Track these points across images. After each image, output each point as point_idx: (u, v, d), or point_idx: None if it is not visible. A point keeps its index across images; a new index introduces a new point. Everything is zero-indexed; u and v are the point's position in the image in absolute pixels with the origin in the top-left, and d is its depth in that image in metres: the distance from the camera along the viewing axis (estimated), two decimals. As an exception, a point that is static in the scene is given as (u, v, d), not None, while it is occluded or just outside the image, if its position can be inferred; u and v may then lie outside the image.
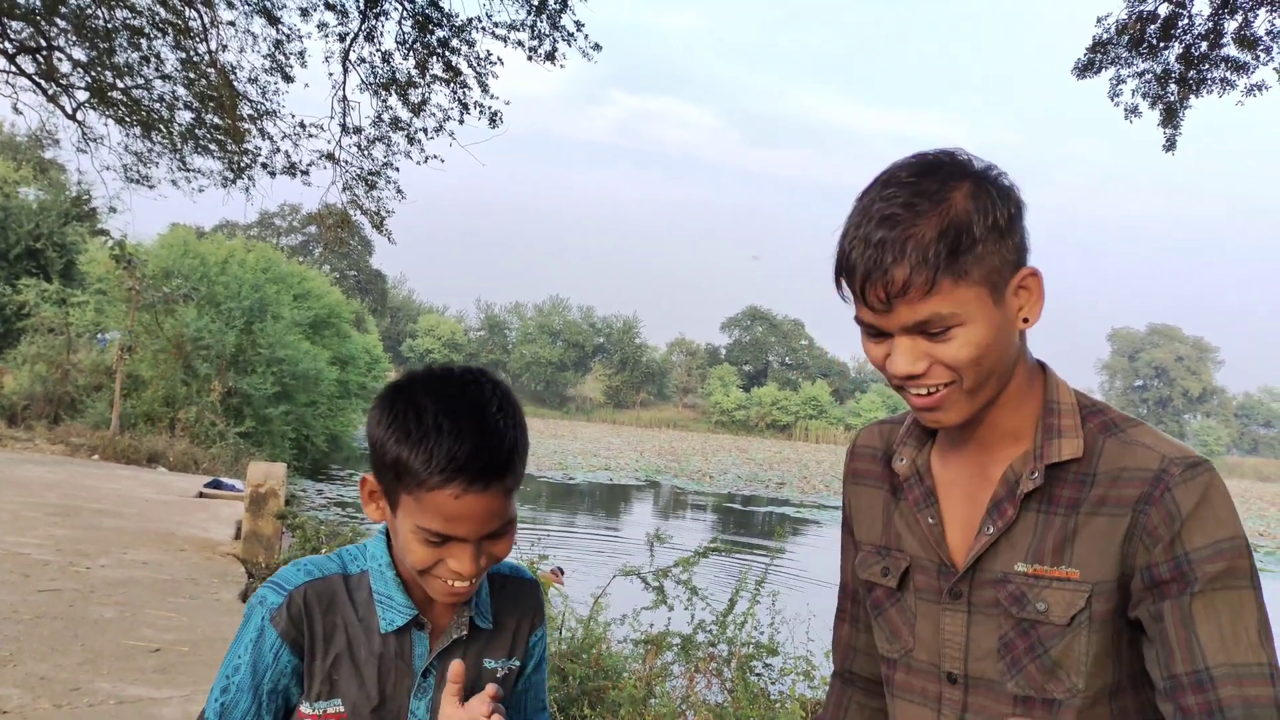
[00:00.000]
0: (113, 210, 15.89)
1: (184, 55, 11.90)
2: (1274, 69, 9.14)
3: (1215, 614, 1.16)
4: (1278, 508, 45.93)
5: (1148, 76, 9.61)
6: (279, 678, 1.36)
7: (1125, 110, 9.77)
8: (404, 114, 11.85)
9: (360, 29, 11.22)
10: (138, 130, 12.89)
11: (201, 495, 13.33)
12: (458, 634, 1.43)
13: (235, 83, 11.84)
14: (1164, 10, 9.18)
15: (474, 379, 1.35)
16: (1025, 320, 1.23)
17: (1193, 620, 1.16)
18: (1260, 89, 9.26)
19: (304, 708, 1.38)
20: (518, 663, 1.52)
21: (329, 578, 1.41)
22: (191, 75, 12.08)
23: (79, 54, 12.17)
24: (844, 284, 1.22)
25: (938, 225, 1.15)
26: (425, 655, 1.42)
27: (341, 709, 1.37)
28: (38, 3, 11.30)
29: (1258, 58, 9.11)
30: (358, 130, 12.07)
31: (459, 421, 1.28)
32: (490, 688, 1.35)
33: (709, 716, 5.20)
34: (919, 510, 1.35)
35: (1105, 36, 9.52)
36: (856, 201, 1.23)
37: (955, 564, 1.31)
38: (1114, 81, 9.73)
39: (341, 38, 11.28)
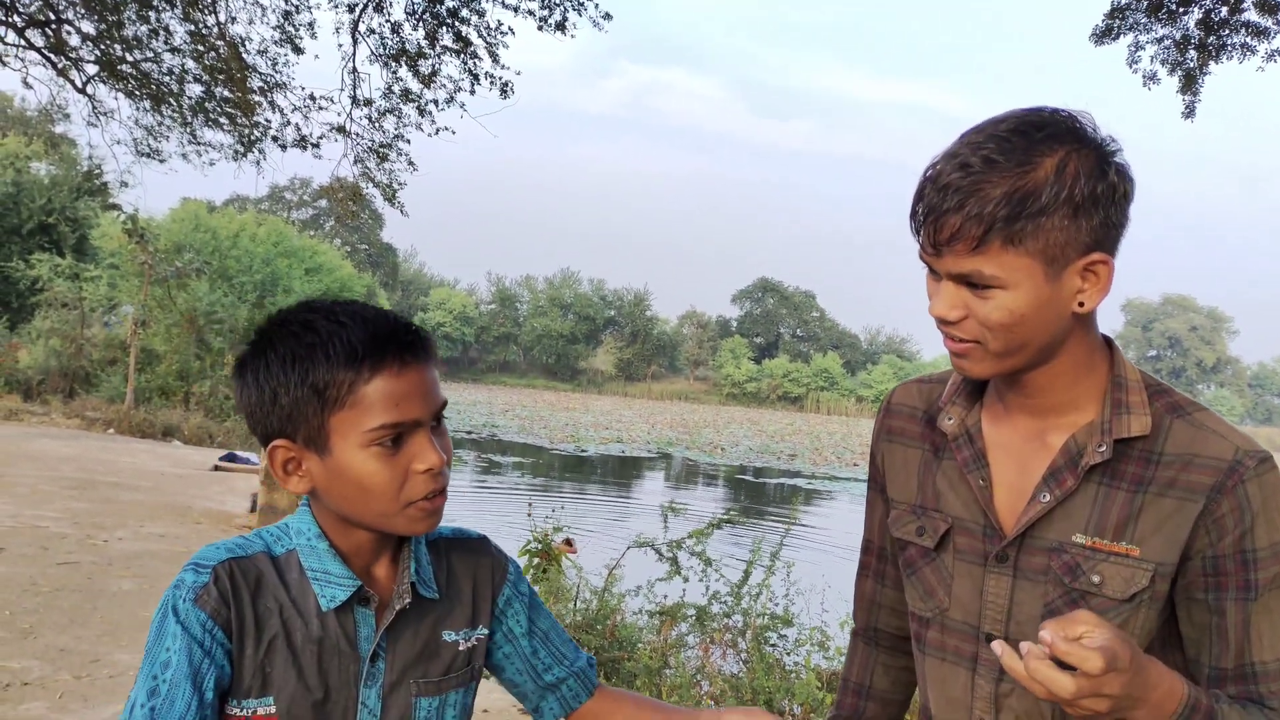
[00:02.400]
0: (124, 185, 15.99)
1: (193, 28, 11.82)
2: (1295, 34, 9.00)
3: (1270, 614, 1.21)
4: (1292, 478, 45.76)
5: (1167, 43, 9.47)
6: (219, 665, 1.16)
7: (1143, 77, 9.63)
8: (414, 85, 11.77)
9: (369, 0, 11.14)
10: (148, 104, 12.84)
11: (217, 468, 13.40)
12: (400, 604, 1.26)
13: (245, 55, 11.77)
14: (1184, -26, 9.05)
15: (323, 298, 1.27)
16: (1080, 305, 1.19)
17: (1251, 622, 1.21)
18: (1280, 54, 9.12)
19: (230, 707, 1.18)
20: (485, 631, 1.37)
21: (254, 556, 1.23)
22: (201, 48, 12.01)
23: (88, 27, 12.11)
24: (911, 217, 1.20)
25: (1007, 187, 1.12)
26: (371, 636, 1.25)
27: (273, 709, 1.19)
28: (46, -25, 11.25)
29: (1278, 22, 8.97)
30: (368, 102, 12.01)
31: (354, 314, 1.21)
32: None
33: (724, 687, 5.22)
34: (968, 471, 1.33)
35: (1124, 2, 9.38)
36: (957, 138, 1.19)
37: (1003, 528, 1.30)
38: (1132, 48, 9.59)
39: (350, 8, 11.19)
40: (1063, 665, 1.04)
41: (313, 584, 1.22)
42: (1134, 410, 1.25)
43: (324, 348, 1.17)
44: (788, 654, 5.75)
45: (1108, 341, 1.31)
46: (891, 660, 1.58)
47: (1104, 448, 1.23)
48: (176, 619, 1.16)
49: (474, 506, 18.01)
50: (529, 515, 7.60)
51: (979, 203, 1.12)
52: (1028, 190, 1.11)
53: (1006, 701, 1.30)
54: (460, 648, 1.33)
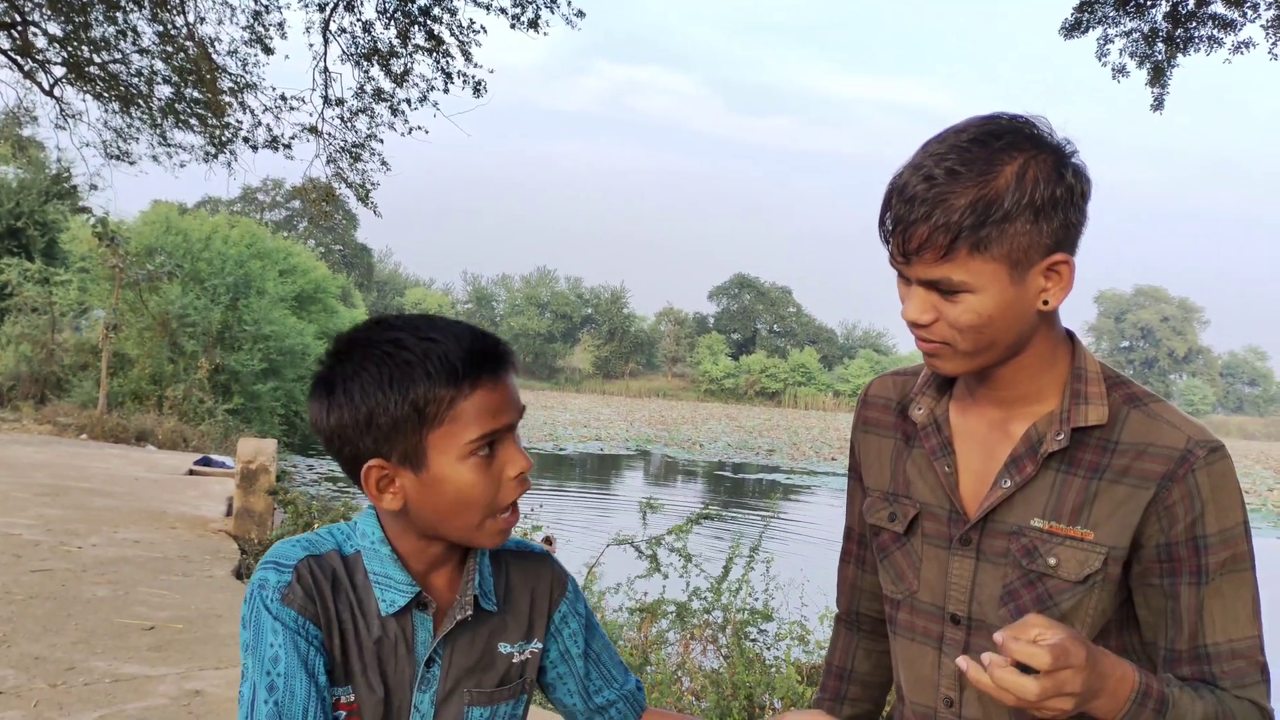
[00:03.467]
0: (94, 188, 15.74)
1: (161, 28, 11.72)
2: (1261, 25, 9.11)
3: (1221, 597, 1.26)
4: (1262, 465, 46.34)
5: (1135, 35, 9.57)
6: (320, 653, 1.21)
7: (1113, 70, 9.73)
8: (387, 85, 11.74)
9: (340, -1, 11.08)
10: (116, 106, 12.72)
11: (191, 473, 13.29)
12: (462, 615, 1.28)
13: (214, 55, 11.69)
14: (1151, -32, 9.13)
15: (398, 314, 1.30)
16: (1045, 303, 1.25)
17: (1204, 606, 1.26)
18: (1247, 46, 9.23)
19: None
20: (539, 645, 1.39)
21: (327, 554, 1.27)
22: (169, 49, 11.91)
23: (54, 29, 11.98)
24: (880, 224, 1.26)
25: (971, 197, 1.17)
26: (429, 641, 1.28)
27: (354, 697, 1.24)
28: (10, -24, 11.12)
29: (1245, 14, 9.07)
30: (340, 102, 11.96)
31: (444, 329, 1.23)
32: None
33: (705, 682, 5.23)
34: (935, 458, 1.40)
35: (1092, -4, 9.46)
36: (919, 148, 1.24)
37: (967, 512, 1.36)
38: (1101, 41, 9.69)
39: (321, 7, 11.14)
40: (1024, 671, 1.09)
41: (375, 587, 1.25)
42: (1092, 400, 1.30)
43: (422, 366, 1.18)
44: (768, 649, 5.76)
45: (1070, 335, 1.37)
46: (873, 644, 1.63)
47: (1062, 436, 1.29)
48: (270, 617, 1.19)
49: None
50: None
51: (945, 213, 1.17)
52: (990, 199, 1.16)
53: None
54: (514, 660, 1.35)
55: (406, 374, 1.18)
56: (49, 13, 11.65)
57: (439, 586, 1.31)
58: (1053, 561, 1.29)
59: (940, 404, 1.42)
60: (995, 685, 1.09)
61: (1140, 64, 9.65)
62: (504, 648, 1.34)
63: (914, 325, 1.28)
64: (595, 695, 1.45)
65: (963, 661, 1.12)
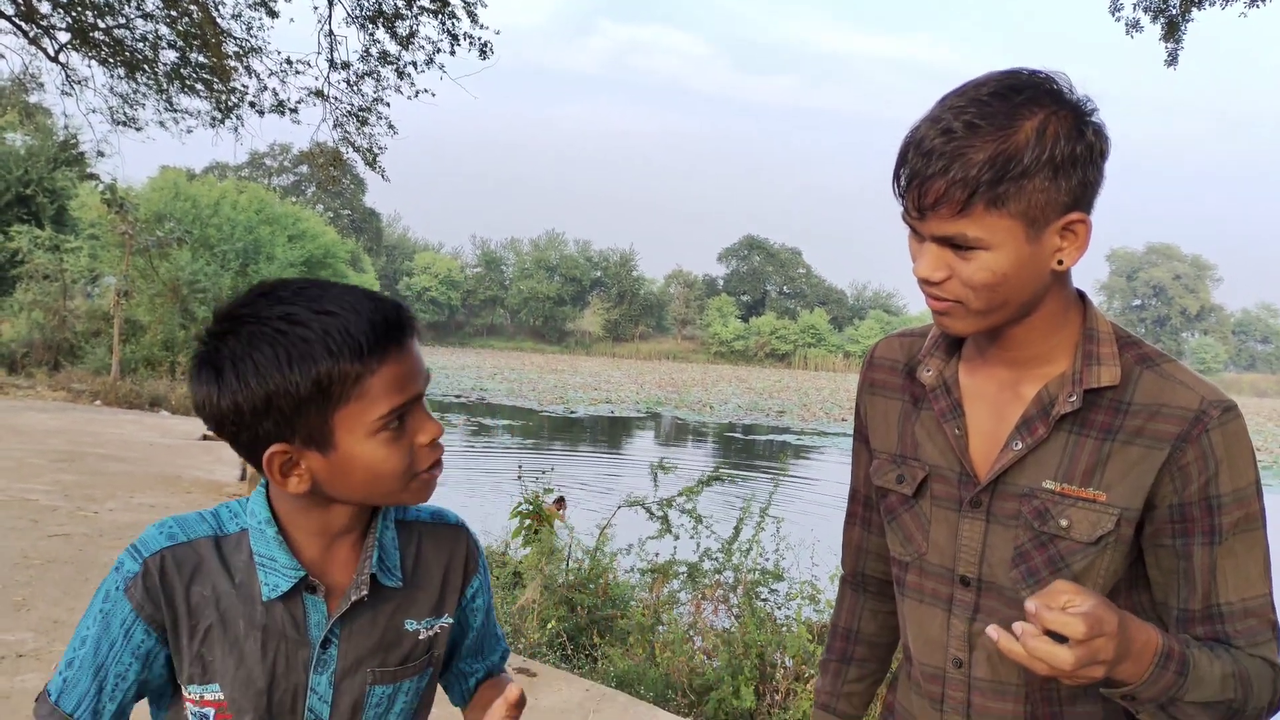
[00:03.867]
0: (101, 154, 15.76)
1: (165, -8, 11.63)
2: (1278, -22, 8.94)
3: (1234, 556, 1.26)
4: (1275, 423, 46.21)
5: (1149, -11, 9.41)
6: (129, 661, 1.17)
7: (1126, 25, 9.57)
8: (392, 47, 11.62)
9: (344, -40, 10.97)
10: (122, 71, 12.64)
11: (204, 438, 13.37)
12: (357, 596, 1.22)
13: (219, 19, 11.59)
14: (1166, -81, 8.97)
15: (283, 281, 1.20)
16: (1060, 263, 1.23)
17: (1217, 565, 1.26)
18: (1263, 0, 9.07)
19: (184, 690, 1.20)
20: (449, 620, 1.33)
21: (194, 542, 1.20)
22: (174, 13, 11.81)
23: (58, -7, 11.90)
24: (894, 180, 1.23)
25: (989, 151, 1.14)
26: (323, 623, 1.22)
27: (220, 695, 1.18)
28: (13, -59, 11.03)
29: (1262, -33, 8.91)
30: (346, 65, 11.85)
31: (338, 300, 1.14)
32: (512, 690, 1.20)
33: (716, 642, 5.27)
34: (945, 420, 1.38)
35: (1106, -51, 9.30)
36: (937, 101, 1.22)
37: (977, 474, 1.35)
38: (1115, -5, 9.52)
39: (326, -30, 11.02)
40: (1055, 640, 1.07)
41: (259, 570, 1.19)
42: (1104, 361, 1.29)
43: (323, 343, 1.11)
44: (779, 608, 5.80)
45: (1081, 295, 1.35)
46: (878, 605, 1.64)
47: (1074, 397, 1.28)
48: (104, 602, 1.17)
49: (464, 469, 18.05)
50: (519, 478, 7.61)
51: (963, 167, 1.14)
52: (1009, 154, 1.14)
53: (980, 640, 1.36)
54: (421, 636, 1.30)
55: (306, 352, 1.10)
56: (52, -23, 11.57)
57: (337, 564, 1.25)
58: (1064, 523, 1.28)
59: (949, 365, 1.41)
60: (1029, 655, 1.07)
61: (1154, 18, 9.49)
62: (410, 624, 1.28)
63: (926, 283, 1.26)
64: (462, 662, 1.45)
65: (993, 631, 1.10)
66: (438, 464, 1.22)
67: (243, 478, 9.83)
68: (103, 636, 1.16)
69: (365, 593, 1.23)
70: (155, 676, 1.20)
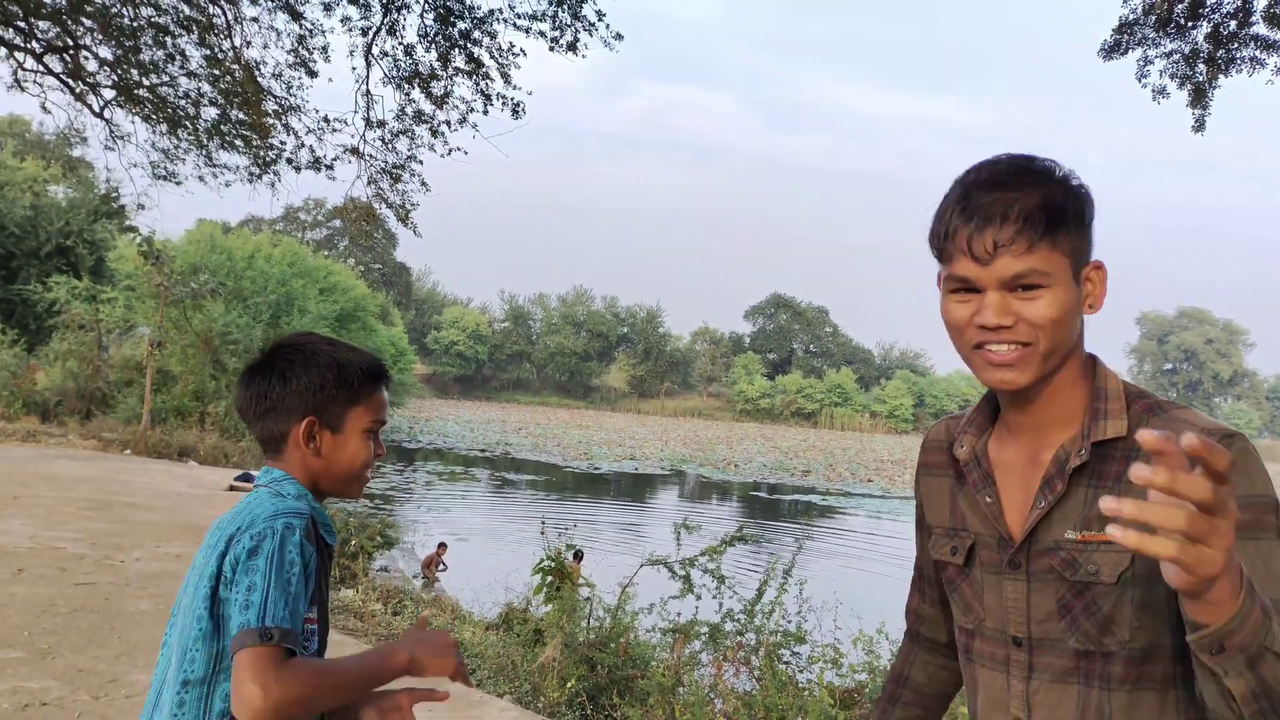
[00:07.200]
0: (141, 207, 15.96)
1: (208, 52, 11.96)
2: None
3: (1246, 558, 1.18)
4: (1311, 491, 45.33)
5: (1175, 57, 9.49)
6: (310, 578, 1.60)
7: (1153, 91, 9.65)
8: (427, 107, 11.87)
9: (382, 23, 11.25)
10: (164, 127, 12.98)
11: (232, 488, 13.46)
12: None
13: (259, 79, 11.89)
14: (1191, -11, 9.06)
15: (310, 333, 1.84)
16: (1090, 306, 1.36)
17: None
18: (1290, 67, 9.11)
19: (306, 612, 1.61)
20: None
21: (309, 514, 1.67)
22: (216, 72, 12.14)
23: (105, 52, 12.26)
24: (946, 239, 1.33)
25: (1039, 198, 1.29)
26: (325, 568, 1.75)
27: (314, 614, 1.65)
28: (63, 2, 11.40)
29: (1288, 36, 8.96)
30: (381, 124, 12.11)
31: (354, 347, 1.80)
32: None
33: (737, 705, 5.21)
34: (978, 491, 1.48)
35: (1132, 17, 9.41)
36: (955, 182, 1.36)
37: (1013, 537, 1.43)
38: (1141, 63, 9.61)
39: (364, 32, 11.31)
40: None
41: (322, 532, 1.70)
42: (1110, 416, 1.37)
43: (352, 368, 1.74)
44: (800, 671, 5.74)
45: (1093, 358, 1.45)
46: (929, 658, 1.76)
47: (1084, 451, 1.36)
48: (293, 541, 1.58)
49: (488, 523, 18.01)
50: (542, 534, 7.61)
51: (1024, 209, 1.28)
52: (1055, 200, 1.29)
53: (1036, 699, 1.41)
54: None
55: (345, 365, 1.73)
56: (100, 37, 11.93)
57: None
58: (1093, 569, 1.34)
59: (980, 440, 1.51)
60: (1169, 484, 0.92)
61: (1181, 85, 9.56)
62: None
63: (996, 330, 1.32)
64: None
65: (1110, 500, 0.94)
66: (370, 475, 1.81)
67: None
68: (305, 555, 1.59)
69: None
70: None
